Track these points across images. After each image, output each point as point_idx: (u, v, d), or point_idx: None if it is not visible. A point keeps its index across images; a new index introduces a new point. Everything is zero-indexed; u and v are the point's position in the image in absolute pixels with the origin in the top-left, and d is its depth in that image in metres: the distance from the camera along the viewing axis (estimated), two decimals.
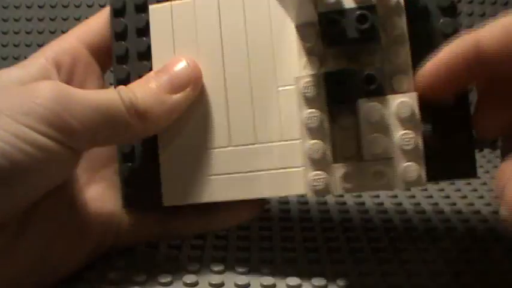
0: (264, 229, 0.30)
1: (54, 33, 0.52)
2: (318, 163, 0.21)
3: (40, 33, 0.53)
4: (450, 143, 0.22)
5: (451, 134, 0.22)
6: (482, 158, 0.45)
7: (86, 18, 0.54)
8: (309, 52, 0.23)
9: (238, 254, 0.27)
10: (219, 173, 0.24)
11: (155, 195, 0.25)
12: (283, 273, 0.24)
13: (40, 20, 0.53)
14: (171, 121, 0.24)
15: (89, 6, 0.52)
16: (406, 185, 0.21)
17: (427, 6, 0.23)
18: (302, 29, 0.23)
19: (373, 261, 0.26)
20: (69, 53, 0.26)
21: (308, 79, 0.22)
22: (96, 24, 0.27)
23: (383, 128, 0.21)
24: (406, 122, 0.21)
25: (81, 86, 0.26)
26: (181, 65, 0.24)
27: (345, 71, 0.22)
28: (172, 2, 0.25)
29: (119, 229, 0.26)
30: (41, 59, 0.25)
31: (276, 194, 0.24)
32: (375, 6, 0.21)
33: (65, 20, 0.52)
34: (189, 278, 0.24)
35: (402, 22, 0.22)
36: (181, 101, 0.24)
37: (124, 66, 0.26)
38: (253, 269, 0.25)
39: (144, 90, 0.23)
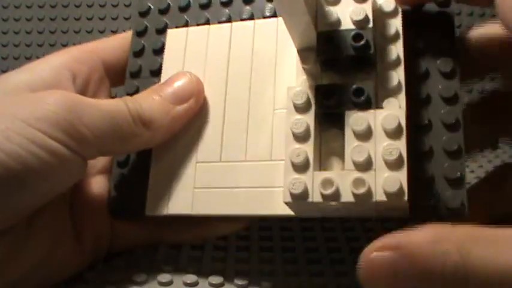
0: (264, 229, 0.30)
1: (54, 33, 0.52)
2: (298, 168, 0.21)
3: (40, 33, 0.53)
4: (446, 173, 0.22)
5: (446, 166, 0.22)
6: (483, 158, 0.45)
7: (86, 18, 0.55)
8: (307, 73, 0.23)
9: (238, 254, 0.27)
10: (204, 186, 0.24)
11: (140, 204, 0.25)
12: (283, 273, 0.25)
13: (40, 20, 0.53)
14: (174, 131, 0.25)
15: (89, 6, 0.52)
16: (386, 196, 0.20)
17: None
18: (302, 53, 0.23)
19: None
20: (87, 64, 0.26)
21: (299, 88, 0.22)
22: (116, 43, 0.28)
23: (367, 138, 0.21)
24: (392, 134, 0.21)
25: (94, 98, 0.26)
26: (184, 79, 0.25)
27: (336, 84, 0.22)
28: (189, 28, 0.27)
29: (113, 235, 0.26)
30: (55, 63, 0.25)
31: (259, 213, 0.24)
32: (371, 28, 0.22)
33: (65, 20, 0.52)
34: (189, 278, 0.24)
35: (398, 49, 0.23)
36: (185, 112, 0.25)
37: (135, 81, 0.27)
38: (253, 269, 0.25)
39: (149, 100, 0.24)
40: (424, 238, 0.17)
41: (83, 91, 0.26)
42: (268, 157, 0.24)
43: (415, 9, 0.24)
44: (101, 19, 0.51)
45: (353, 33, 0.22)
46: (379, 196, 0.20)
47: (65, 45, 0.51)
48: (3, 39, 0.53)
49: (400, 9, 0.23)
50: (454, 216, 0.22)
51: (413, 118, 0.22)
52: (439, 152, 0.22)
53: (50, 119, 0.20)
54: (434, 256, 0.17)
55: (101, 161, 0.27)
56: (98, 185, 0.27)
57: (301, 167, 0.21)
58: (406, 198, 0.20)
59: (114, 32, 0.51)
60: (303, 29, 0.22)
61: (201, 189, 0.24)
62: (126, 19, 0.49)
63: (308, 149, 0.21)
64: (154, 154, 0.25)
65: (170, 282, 0.24)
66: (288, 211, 0.22)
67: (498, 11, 0.20)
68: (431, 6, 0.24)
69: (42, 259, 0.22)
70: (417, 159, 0.22)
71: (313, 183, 0.21)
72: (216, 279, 0.24)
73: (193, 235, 0.27)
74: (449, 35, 0.24)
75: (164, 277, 0.24)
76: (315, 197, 0.21)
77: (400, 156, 0.20)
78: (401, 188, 0.20)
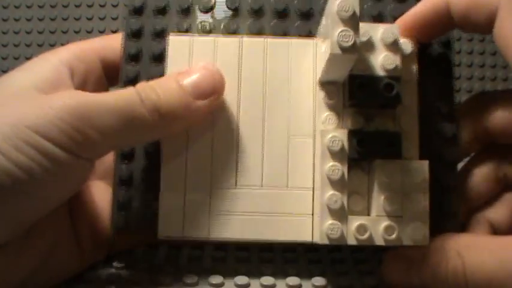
0: None
1: (54, 33, 0.52)
2: (335, 213, 0.23)
3: (40, 33, 0.52)
4: (442, 206, 0.25)
5: (443, 199, 0.25)
6: None
7: (86, 18, 0.54)
8: (330, 108, 0.24)
9: (238, 254, 0.27)
10: (220, 211, 0.24)
11: (148, 223, 0.25)
12: (283, 273, 0.25)
13: (40, 20, 0.53)
14: (192, 126, 0.24)
15: (89, 6, 0.52)
16: (413, 242, 0.23)
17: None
18: (326, 86, 0.24)
19: (373, 260, 0.26)
20: (85, 63, 0.25)
21: (334, 134, 0.23)
22: (115, 42, 0.26)
23: (395, 189, 0.23)
24: (418, 187, 0.23)
25: None
26: (206, 72, 0.24)
27: (369, 132, 0.23)
28: (194, 37, 0.25)
29: (114, 238, 0.26)
30: (53, 61, 0.24)
31: (276, 239, 0.24)
32: (400, 78, 0.23)
33: (65, 20, 0.52)
34: (189, 278, 0.24)
35: (414, 95, 0.24)
36: (205, 108, 0.23)
37: None
38: (253, 269, 0.25)
39: (169, 90, 0.22)
40: (434, 245, 0.22)
41: (81, 89, 0.25)
42: (284, 185, 0.24)
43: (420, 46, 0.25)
44: (101, 19, 0.51)
45: (385, 82, 0.23)
46: (406, 241, 0.23)
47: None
48: (3, 39, 0.53)
49: (416, 53, 0.24)
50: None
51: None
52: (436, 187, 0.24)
53: (56, 125, 0.20)
54: (440, 260, 0.22)
55: (101, 167, 0.27)
56: (98, 189, 0.26)
57: (337, 213, 0.23)
58: (428, 242, 0.23)
59: (113, 32, 0.51)
60: (340, 67, 0.23)
61: (217, 214, 0.24)
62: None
63: (343, 195, 0.23)
64: (163, 175, 0.25)
65: (170, 282, 0.24)
66: (304, 238, 0.24)
67: (495, 38, 0.22)
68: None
69: (42, 262, 0.22)
70: None
71: (348, 228, 0.23)
72: (216, 279, 0.24)
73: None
74: (449, 77, 0.25)
75: (164, 277, 0.24)
76: (350, 240, 0.23)
77: (425, 208, 0.23)
78: (425, 236, 0.23)
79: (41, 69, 0.23)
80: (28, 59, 0.52)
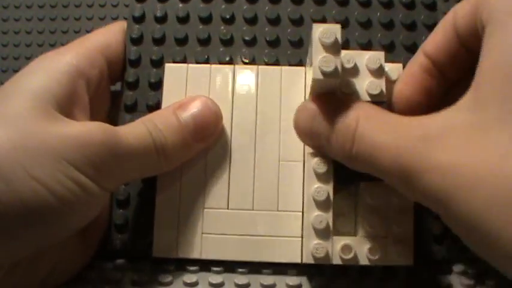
0: None
1: (54, 33, 0.52)
2: (320, 233, 0.23)
3: (40, 33, 0.53)
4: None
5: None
6: None
7: (86, 18, 0.54)
8: None
9: None
10: (213, 232, 0.25)
11: (145, 244, 0.25)
12: (283, 273, 0.25)
13: (40, 20, 0.53)
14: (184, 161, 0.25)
15: (89, 6, 0.52)
16: (397, 262, 0.23)
17: None
18: None
19: None
20: (96, 66, 0.25)
21: (320, 157, 0.24)
22: (115, 37, 0.27)
23: (380, 211, 0.24)
24: (401, 209, 0.23)
25: (102, 102, 0.27)
26: (209, 113, 0.25)
27: None
28: (189, 65, 0.27)
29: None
30: (69, 68, 0.24)
31: (267, 260, 0.25)
32: (384, 102, 0.24)
33: (65, 20, 0.52)
34: (189, 278, 0.24)
35: None
36: (202, 148, 0.25)
37: (130, 116, 0.27)
38: (253, 269, 0.25)
39: (170, 128, 0.24)
40: (344, 102, 0.22)
41: (93, 97, 0.25)
42: (275, 207, 0.25)
43: None
44: (101, 19, 0.51)
45: None
46: (390, 261, 0.23)
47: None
48: (3, 39, 0.53)
49: None
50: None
51: None
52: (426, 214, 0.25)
53: (92, 162, 0.21)
54: (340, 113, 0.22)
55: None
56: None
57: (322, 233, 0.23)
58: (412, 262, 0.23)
59: None
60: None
61: (209, 235, 0.25)
62: (126, 19, 0.49)
63: (329, 216, 0.23)
64: (158, 196, 0.25)
65: (170, 282, 0.24)
66: (294, 259, 0.24)
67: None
68: None
69: (53, 268, 0.23)
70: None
71: (333, 248, 0.23)
72: (216, 279, 0.24)
73: None
74: None
75: (164, 277, 0.24)
76: (335, 260, 0.23)
77: (409, 229, 0.23)
78: (409, 257, 0.23)
79: (58, 77, 0.23)
80: (28, 59, 0.52)
